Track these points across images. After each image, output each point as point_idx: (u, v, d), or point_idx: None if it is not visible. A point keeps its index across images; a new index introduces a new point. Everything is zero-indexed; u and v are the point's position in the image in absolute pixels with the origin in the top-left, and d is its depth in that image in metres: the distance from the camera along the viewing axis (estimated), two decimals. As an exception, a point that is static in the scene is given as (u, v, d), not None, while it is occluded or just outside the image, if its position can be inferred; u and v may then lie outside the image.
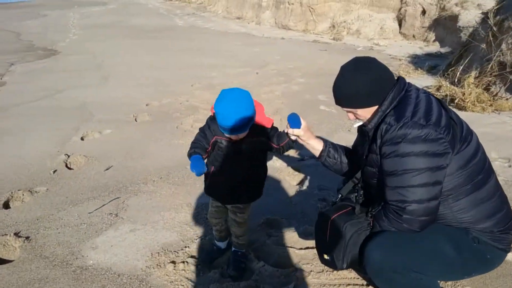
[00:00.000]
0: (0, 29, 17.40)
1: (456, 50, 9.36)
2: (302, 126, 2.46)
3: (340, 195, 2.46)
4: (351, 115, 2.26)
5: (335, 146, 2.73)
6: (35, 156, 4.67)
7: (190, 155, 2.39)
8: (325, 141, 2.71)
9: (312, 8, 15.91)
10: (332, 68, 10.27)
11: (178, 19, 20.34)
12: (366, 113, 2.17)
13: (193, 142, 2.48)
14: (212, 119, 2.44)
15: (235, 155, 2.44)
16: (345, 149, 2.75)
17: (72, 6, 26.76)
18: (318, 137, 2.69)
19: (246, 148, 2.44)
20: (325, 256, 2.30)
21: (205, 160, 2.41)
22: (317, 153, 2.69)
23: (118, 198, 3.74)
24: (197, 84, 8.10)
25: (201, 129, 2.50)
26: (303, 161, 4.55)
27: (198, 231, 3.23)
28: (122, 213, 3.50)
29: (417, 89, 2.18)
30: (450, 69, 7.69)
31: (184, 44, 13.23)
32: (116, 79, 8.63)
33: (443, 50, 12.03)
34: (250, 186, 2.60)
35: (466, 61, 7.26)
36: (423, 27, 13.71)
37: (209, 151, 2.49)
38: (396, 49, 12.59)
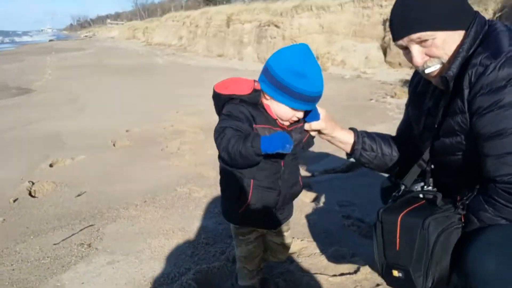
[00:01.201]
0: (-27, 73, 16.67)
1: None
2: (321, 117, 1.82)
3: (403, 187, 1.75)
4: (419, 54, 1.56)
5: (371, 135, 2.06)
6: (-7, 186, 3.89)
7: (253, 139, 1.47)
8: (356, 131, 2.04)
9: (294, 40, 15.73)
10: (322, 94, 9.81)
11: (159, 58, 20.00)
12: (448, 41, 1.49)
13: (225, 128, 1.55)
14: (242, 103, 1.62)
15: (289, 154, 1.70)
16: (386, 137, 2.10)
17: (50, 53, 26.32)
18: (344, 127, 2.05)
19: (297, 139, 1.77)
20: (395, 273, 1.57)
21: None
22: (347, 148, 2.02)
23: (91, 225, 2.99)
24: (182, 110, 7.47)
25: (229, 115, 1.60)
26: (313, 177, 3.89)
27: (197, 259, 2.49)
28: (97, 242, 2.74)
29: (503, 23, 1.56)
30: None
31: (166, 78, 12.72)
32: (93, 110, 7.93)
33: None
34: (298, 191, 1.90)
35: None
36: (408, 54, 13.56)
37: None
38: (384, 76, 12.30)
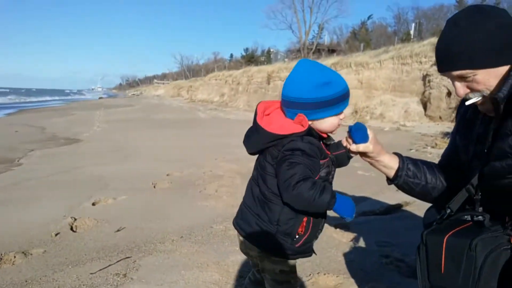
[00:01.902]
0: (27, 125, 17.80)
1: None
2: (370, 138, 1.78)
3: (449, 211, 1.68)
4: (461, 87, 1.58)
5: (416, 162, 2.00)
6: (38, 221, 4.03)
7: (330, 200, 1.52)
8: (400, 156, 2.01)
9: (333, 96, 15.96)
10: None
11: (201, 113, 20.71)
12: (489, 77, 1.49)
13: (306, 179, 1.53)
14: (308, 139, 1.61)
15: (333, 176, 1.77)
16: (431, 165, 2.04)
17: (99, 108, 27.84)
18: (389, 151, 2.02)
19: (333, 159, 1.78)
20: (440, 298, 1.48)
21: None
22: (391, 173, 1.96)
23: (128, 257, 3.02)
24: (221, 158, 7.60)
25: (301, 160, 1.57)
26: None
27: (229, 291, 2.45)
28: (132, 273, 2.76)
29: None
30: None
31: (207, 130, 13.11)
32: (136, 157, 8.22)
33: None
34: None
35: None
36: (449, 108, 13.36)
37: None
38: (424, 129, 12.12)
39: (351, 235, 3.37)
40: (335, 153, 1.82)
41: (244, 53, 51.60)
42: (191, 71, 76.50)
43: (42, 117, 21.45)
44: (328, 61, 18.13)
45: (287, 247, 1.67)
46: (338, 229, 3.49)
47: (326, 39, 46.18)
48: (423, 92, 14.36)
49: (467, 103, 1.57)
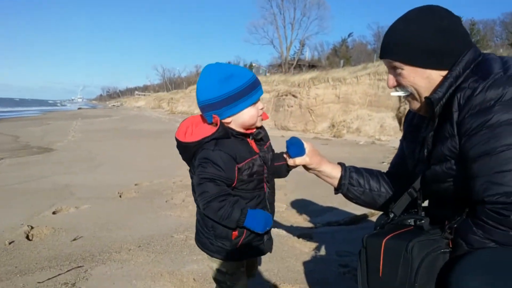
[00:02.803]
0: (1, 134, 17.37)
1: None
2: (307, 151, 1.83)
3: (392, 215, 1.66)
4: (391, 78, 1.61)
5: (359, 170, 2.01)
6: (-7, 229, 3.87)
7: (239, 217, 1.55)
8: (343, 165, 2.01)
9: (311, 109, 16.07)
10: (336, 156, 9.78)
11: (179, 124, 20.53)
12: (415, 76, 1.52)
13: (215, 199, 1.54)
14: (218, 146, 1.58)
15: (268, 174, 1.71)
16: (374, 173, 2.04)
17: (77, 118, 27.43)
18: (332, 162, 2.02)
19: (269, 158, 1.74)
20: (380, 301, 1.44)
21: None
22: (334, 182, 1.97)
23: (80, 267, 2.90)
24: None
25: (210, 173, 1.55)
26: (316, 229, 3.76)
27: (179, 301, 2.36)
28: (81, 283, 2.65)
29: (496, 55, 1.56)
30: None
31: (183, 141, 12.96)
32: (108, 167, 8.05)
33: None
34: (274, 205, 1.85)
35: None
36: (424, 124, 13.60)
37: None
38: (398, 143, 12.25)
39: (313, 245, 3.32)
40: (276, 164, 1.83)
41: (226, 67, 51.62)
42: (173, 84, 76.45)
43: (17, 126, 21.02)
44: (306, 76, 18.30)
45: (226, 250, 1.66)
46: (301, 239, 3.44)
47: (307, 55, 46.80)
48: (398, 108, 14.59)
49: (391, 93, 1.66)
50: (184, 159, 1.72)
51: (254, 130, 1.68)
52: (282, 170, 1.85)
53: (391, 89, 1.66)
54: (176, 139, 1.64)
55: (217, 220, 1.58)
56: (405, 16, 1.57)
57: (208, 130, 1.59)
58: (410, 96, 1.59)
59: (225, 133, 1.60)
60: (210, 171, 1.55)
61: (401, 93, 1.61)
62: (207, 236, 1.70)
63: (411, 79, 1.53)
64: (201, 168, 1.57)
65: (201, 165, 1.57)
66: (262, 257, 2.98)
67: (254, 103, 1.61)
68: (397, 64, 1.54)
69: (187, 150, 1.64)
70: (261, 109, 1.66)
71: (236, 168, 1.59)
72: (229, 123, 1.62)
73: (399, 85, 1.59)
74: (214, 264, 1.73)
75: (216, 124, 1.59)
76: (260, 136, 1.69)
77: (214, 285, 1.83)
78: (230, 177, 1.58)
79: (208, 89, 1.58)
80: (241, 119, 1.61)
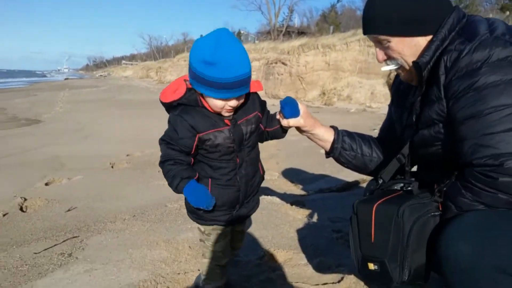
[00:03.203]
0: (-14, 106, 17.06)
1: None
2: (301, 113, 1.82)
3: (381, 181, 1.68)
4: (379, 52, 1.61)
5: (352, 135, 2.03)
6: (-15, 202, 3.86)
7: (178, 184, 1.59)
8: (336, 129, 2.02)
9: (301, 77, 15.96)
10: (326, 124, 9.80)
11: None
12: (403, 46, 1.52)
13: (165, 161, 1.64)
14: (182, 112, 1.61)
15: (239, 146, 1.68)
16: (366, 138, 2.06)
17: (64, 89, 26.96)
18: (325, 125, 2.02)
19: (249, 131, 1.71)
20: (371, 266, 1.48)
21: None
22: (327, 146, 1.99)
23: (76, 237, 2.92)
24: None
25: (169, 136, 1.63)
26: (308, 196, 3.81)
27: (176, 268, 2.40)
28: (78, 252, 2.67)
29: (482, 16, 1.55)
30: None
31: (173, 111, 12.87)
32: (97, 138, 8.00)
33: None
34: (259, 180, 1.86)
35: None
36: (414, 90, 13.62)
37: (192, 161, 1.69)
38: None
39: (306, 212, 3.37)
40: (270, 129, 1.84)
41: (214, 34, 50.70)
42: (160, 52, 75.09)
43: (3, 98, 20.61)
44: (295, 43, 18.08)
45: (199, 213, 1.74)
46: (293, 206, 3.49)
47: (296, 22, 46.09)
48: (389, 75, 14.53)
49: (382, 69, 1.65)
50: None
51: None
52: (278, 132, 1.86)
53: (382, 64, 1.66)
54: (159, 99, 1.66)
55: (165, 178, 1.68)
56: None
57: (179, 93, 1.61)
58: (401, 68, 1.59)
59: (193, 100, 1.60)
60: (169, 134, 1.63)
61: (392, 67, 1.61)
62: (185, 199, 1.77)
63: (400, 50, 1.53)
64: (166, 130, 1.65)
65: (167, 128, 1.64)
66: (256, 224, 3.04)
67: (222, 99, 1.55)
68: (383, 37, 1.53)
69: (166, 110, 1.69)
70: (234, 106, 1.59)
71: (197, 137, 1.61)
72: (201, 94, 1.60)
73: (389, 58, 1.59)
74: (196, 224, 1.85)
75: (188, 89, 1.60)
76: (229, 116, 1.66)
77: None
78: (187, 144, 1.61)
79: (195, 55, 1.51)
80: (209, 100, 1.59)
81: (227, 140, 1.64)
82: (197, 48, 1.52)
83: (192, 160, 1.69)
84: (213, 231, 1.80)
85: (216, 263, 1.86)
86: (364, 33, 1.63)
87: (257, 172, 1.81)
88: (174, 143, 1.61)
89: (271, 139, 1.91)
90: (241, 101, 1.62)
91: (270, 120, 1.84)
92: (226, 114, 1.62)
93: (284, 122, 1.81)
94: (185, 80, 1.62)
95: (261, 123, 1.79)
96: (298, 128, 1.91)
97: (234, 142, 1.66)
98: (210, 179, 1.69)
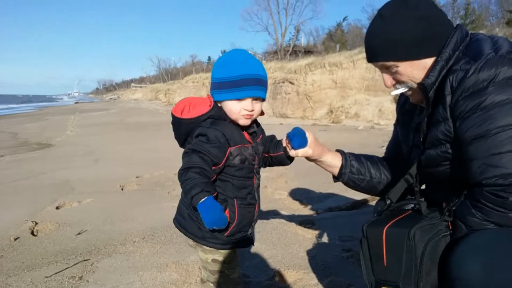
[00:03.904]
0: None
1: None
2: (309, 142, 1.81)
3: (389, 201, 1.68)
4: (387, 78, 1.62)
5: (359, 158, 2.02)
6: (-3, 226, 3.90)
7: (197, 194, 1.42)
8: (343, 153, 2.02)
9: (308, 96, 16.03)
10: (334, 142, 9.86)
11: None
12: (412, 69, 1.53)
13: (190, 168, 1.48)
14: (214, 124, 1.58)
15: (258, 164, 1.72)
16: (374, 160, 2.05)
17: (74, 113, 27.35)
18: (331, 150, 2.02)
19: (261, 151, 1.76)
20: (385, 290, 1.47)
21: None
22: (335, 171, 1.98)
23: (86, 260, 2.93)
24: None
25: (199, 145, 1.54)
26: (317, 215, 3.80)
27: (186, 290, 2.40)
28: (88, 276, 2.68)
29: (485, 34, 1.57)
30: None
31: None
32: (107, 161, 8.07)
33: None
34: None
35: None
36: (422, 106, 13.60)
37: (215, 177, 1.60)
38: (397, 127, 12.28)
39: (315, 231, 3.35)
40: (273, 154, 1.83)
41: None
42: (169, 74, 75.97)
43: (14, 123, 20.95)
44: (302, 62, 18.22)
45: (216, 237, 1.65)
46: (303, 225, 3.47)
47: (302, 41, 46.51)
48: (396, 91, 14.58)
49: (392, 93, 1.64)
50: (177, 136, 1.71)
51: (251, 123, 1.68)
52: (283, 159, 1.84)
53: (390, 89, 1.66)
54: (172, 115, 1.64)
55: (181, 185, 1.51)
56: (380, 15, 1.56)
57: (205, 108, 1.62)
58: (411, 90, 1.60)
59: (220, 113, 1.62)
60: (201, 145, 1.54)
61: (402, 90, 1.61)
62: (195, 218, 1.66)
63: (409, 73, 1.54)
64: (194, 141, 1.58)
65: (196, 139, 1.58)
66: (266, 244, 3.03)
67: (239, 99, 1.57)
68: (391, 63, 1.54)
69: (182, 126, 1.64)
70: (249, 110, 1.58)
71: (228, 151, 1.59)
72: (221, 108, 1.64)
73: (398, 82, 1.59)
74: (204, 252, 1.72)
75: (216, 104, 1.63)
76: (253, 130, 1.69)
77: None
78: (219, 155, 1.55)
79: (214, 67, 1.64)
80: (227, 109, 1.62)
81: (250, 156, 1.65)
82: (216, 62, 1.65)
83: (215, 176, 1.60)
84: (231, 256, 1.75)
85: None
86: (369, 60, 1.63)
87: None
88: (204, 152, 1.52)
89: (276, 165, 1.88)
90: (257, 108, 1.61)
91: (274, 145, 1.84)
92: (244, 122, 1.61)
93: (293, 153, 1.78)
94: (208, 96, 1.66)
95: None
96: (307, 157, 1.91)
97: (257, 159, 1.69)
98: (235, 199, 1.65)
